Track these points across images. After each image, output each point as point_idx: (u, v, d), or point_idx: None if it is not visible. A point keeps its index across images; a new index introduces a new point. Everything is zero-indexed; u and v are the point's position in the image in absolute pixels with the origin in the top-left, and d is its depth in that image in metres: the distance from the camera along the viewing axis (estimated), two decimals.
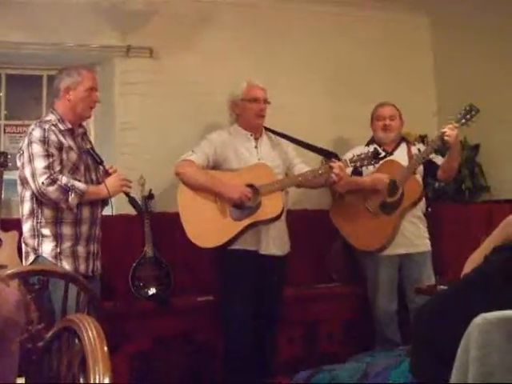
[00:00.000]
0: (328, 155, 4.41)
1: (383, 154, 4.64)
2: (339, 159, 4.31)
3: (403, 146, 4.86)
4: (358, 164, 4.34)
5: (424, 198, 4.80)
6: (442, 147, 4.63)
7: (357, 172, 4.75)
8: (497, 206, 5.24)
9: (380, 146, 4.81)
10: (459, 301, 2.34)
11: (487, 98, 5.27)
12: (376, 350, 4.51)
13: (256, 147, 4.40)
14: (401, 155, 4.78)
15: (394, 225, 4.62)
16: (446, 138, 4.41)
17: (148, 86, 5.33)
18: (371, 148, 4.65)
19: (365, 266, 4.86)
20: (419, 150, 4.76)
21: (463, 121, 4.48)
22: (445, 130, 4.43)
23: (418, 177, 4.72)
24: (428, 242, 4.78)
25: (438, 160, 4.72)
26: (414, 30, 6.19)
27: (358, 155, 4.36)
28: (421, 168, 4.74)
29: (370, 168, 4.67)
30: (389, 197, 4.63)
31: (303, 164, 4.50)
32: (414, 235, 4.71)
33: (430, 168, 4.75)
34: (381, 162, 4.60)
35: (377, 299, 4.75)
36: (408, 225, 4.69)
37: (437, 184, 5.25)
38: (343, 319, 5.03)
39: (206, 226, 4.19)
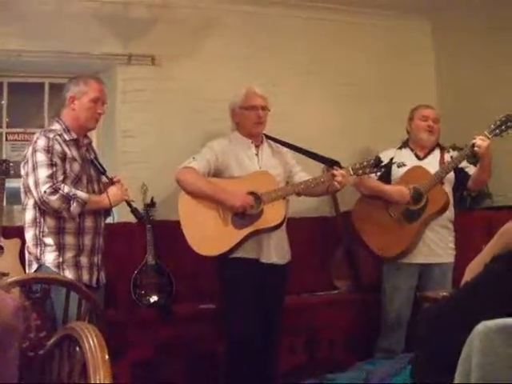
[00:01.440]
0: (330, 163, 4.37)
1: (385, 162, 4.60)
2: (341, 167, 4.29)
3: (436, 153, 4.76)
4: (360, 172, 4.30)
5: (452, 208, 4.70)
6: (472, 157, 4.53)
7: (385, 176, 4.70)
8: (498, 212, 5.24)
9: (413, 150, 4.78)
10: (460, 308, 2.34)
11: (489, 103, 5.28)
12: (377, 357, 4.49)
13: (257, 155, 4.36)
14: (432, 162, 4.69)
15: (415, 233, 4.56)
16: (476, 148, 4.31)
17: (150, 93, 5.34)
18: (405, 149, 4.73)
19: (383, 271, 4.80)
20: (451, 157, 4.64)
21: (497, 131, 4.34)
22: (475, 139, 4.32)
23: (446, 186, 4.62)
24: (452, 253, 4.68)
25: (470, 170, 4.63)
26: (416, 35, 6.21)
27: (360, 163, 4.34)
28: (453, 177, 4.65)
29: (400, 172, 4.66)
30: (412, 204, 4.56)
31: (304, 172, 4.46)
32: (436, 245, 4.63)
33: (461, 177, 4.66)
34: (409, 168, 4.62)
35: (389, 306, 4.71)
36: (431, 234, 4.61)
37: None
38: (345, 326, 5.02)
39: (208, 234, 4.14)
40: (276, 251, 4.27)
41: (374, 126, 5.82)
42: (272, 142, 4.49)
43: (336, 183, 4.19)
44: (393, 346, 4.64)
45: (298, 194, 4.40)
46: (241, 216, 4.15)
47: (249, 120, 4.33)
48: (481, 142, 4.30)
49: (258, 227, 4.15)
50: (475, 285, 2.38)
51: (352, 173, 4.25)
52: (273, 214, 4.17)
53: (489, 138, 4.33)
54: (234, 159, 4.30)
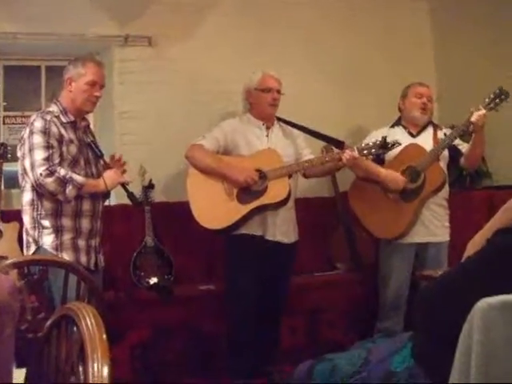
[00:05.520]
0: (337, 144, 4.44)
1: (392, 143, 4.55)
2: (347, 147, 4.33)
3: (429, 130, 4.72)
4: (366, 152, 4.30)
5: (447, 186, 4.66)
6: (467, 132, 4.48)
7: (379, 157, 4.64)
8: (498, 191, 5.22)
9: (406, 128, 4.74)
10: (461, 284, 2.32)
11: (487, 84, 5.24)
12: (377, 336, 4.48)
13: (267, 136, 4.46)
14: (426, 139, 4.65)
15: (413, 213, 4.51)
16: (472, 119, 4.28)
17: (147, 74, 5.31)
18: (397, 127, 4.73)
19: (380, 250, 4.78)
20: (445, 134, 4.60)
21: (491, 105, 4.32)
22: (472, 113, 4.29)
23: (442, 163, 4.59)
24: (447, 231, 4.65)
25: (463, 147, 4.59)
26: (414, 17, 6.17)
27: (366, 144, 4.34)
28: (446, 154, 4.61)
29: (395, 152, 4.56)
30: (410, 183, 4.52)
31: (312, 155, 4.54)
32: (432, 224, 4.60)
33: (454, 154, 4.63)
34: (404, 146, 4.54)
35: (386, 286, 4.69)
36: (428, 212, 4.58)
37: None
38: (345, 307, 5.02)
39: (213, 208, 4.26)
40: (281, 229, 4.36)
41: (373, 106, 5.78)
42: (284, 124, 4.57)
43: (341, 163, 4.28)
44: (392, 326, 4.63)
45: (306, 176, 4.54)
46: (246, 192, 4.25)
47: (264, 101, 4.44)
48: (477, 114, 4.28)
49: (262, 203, 4.24)
50: (477, 260, 2.36)
51: (357, 153, 4.26)
52: (277, 190, 4.25)
53: (483, 111, 4.30)
54: (244, 139, 4.41)
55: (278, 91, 4.47)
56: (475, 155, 4.58)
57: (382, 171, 4.60)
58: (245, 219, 4.23)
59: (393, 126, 4.80)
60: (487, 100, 4.34)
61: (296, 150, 4.52)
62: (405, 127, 4.75)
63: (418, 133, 4.72)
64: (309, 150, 4.58)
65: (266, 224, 4.29)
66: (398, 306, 4.66)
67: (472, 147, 4.50)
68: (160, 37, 5.33)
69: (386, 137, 4.41)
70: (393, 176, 4.55)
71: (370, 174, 4.64)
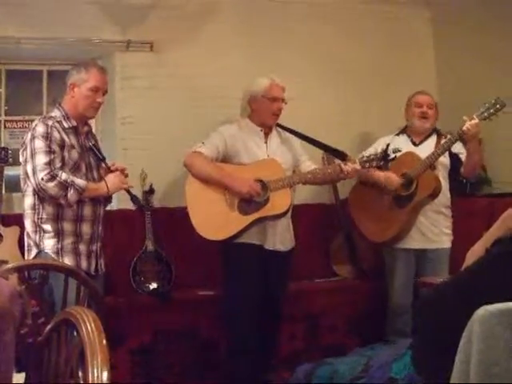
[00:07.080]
0: (339, 155, 4.41)
1: (392, 156, 4.67)
2: (349, 159, 4.32)
3: (433, 139, 4.76)
4: (367, 165, 4.32)
5: (448, 193, 4.72)
6: (460, 141, 4.50)
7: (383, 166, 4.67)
8: (498, 199, 5.22)
9: (409, 136, 4.79)
10: (461, 293, 2.33)
11: (488, 92, 5.25)
12: (377, 343, 4.48)
13: (266, 142, 4.42)
14: (427, 148, 4.68)
15: (405, 218, 4.58)
16: (463, 129, 4.29)
17: (149, 80, 5.32)
18: (402, 136, 4.80)
19: (383, 256, 4.83)
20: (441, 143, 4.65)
21: (485, 114, 4.33)
22: (464, 121, 4.31)
23: (440, 171, 4.63)
24: (447, 239, 4.69)
25: (463, 156, 4.62)
26: (415, 24, 6.17)
27: (368, 156, 4.36)
28: (448, 162, 4.67)
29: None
30: (403, 190, 4.58)
31: (310, 161, 4.53)
32: (429, 230, 4.65)
33: (455, 164, 4.68)
34: (400, 154, 4.66)
35: (391, 290, 4.74)
36: (424, 219, 4.63)
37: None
38: (345, 313, 5.02)
39: (214, 219, 4.21)
40: (280, 238, 4.34)
41: (374, 114, 5.79)
42: (281, 130, 4.53)
43: (343, 175, 4.27)
44: (402, 327, 4.62)
45: (305, 183, 4.48)
46: (247, 202, 4.21)
47: (269, 110, 4.38)
48: (469, 125, 4.29)
49: (264, 214, 4.21)
50: (476, 269, 2.37)
51: (359, 165, 4.28)
52: (279, 201, 4.23)
53: (476, 121, 4.30)
54: (243, 146, 4.35)
55: (283, 100, 4.43)
56: (471, 164, 4.59)
57: (381, 174, 4.66)
58: (245, 230, 4.20)
59: (398, 134, 4.87)
60: (482, 109, 4.35)
61: (294, 156, 4.49)
62: (409, 136, 4.82)
63: (421, 142, 4.79)
64: (306, 156, 4.55)
65: (265, 234, 4.26)
66: (402, 310, 4.67)
67: (467, 156, 4.55)
68: (162, 42, 5.34)
69: (386, 150, 4.55)
70: (389, 177, 4.61)
71: (370, 179, 4.71)
